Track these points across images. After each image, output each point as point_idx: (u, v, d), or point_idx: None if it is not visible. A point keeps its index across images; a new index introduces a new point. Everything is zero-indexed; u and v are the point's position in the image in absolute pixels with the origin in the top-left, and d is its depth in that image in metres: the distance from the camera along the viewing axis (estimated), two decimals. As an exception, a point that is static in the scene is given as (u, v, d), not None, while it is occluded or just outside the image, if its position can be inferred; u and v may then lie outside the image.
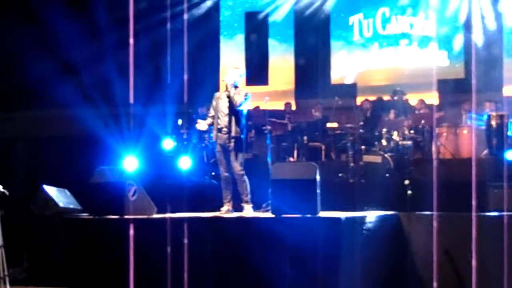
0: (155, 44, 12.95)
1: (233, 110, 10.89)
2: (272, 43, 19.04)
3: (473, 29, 16.80)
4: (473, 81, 12.01)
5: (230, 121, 10.89)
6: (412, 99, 16.06)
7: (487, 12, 16.85)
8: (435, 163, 12.47)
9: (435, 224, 10.26)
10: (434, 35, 17.31)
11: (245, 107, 11.02)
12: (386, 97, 16.32)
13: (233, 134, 10.86)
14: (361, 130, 14.72)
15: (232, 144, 10.88)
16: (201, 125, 11.12)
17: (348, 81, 18.27)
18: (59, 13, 15.74)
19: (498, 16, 16.79)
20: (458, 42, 17.21)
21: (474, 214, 9.86)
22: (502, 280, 9.86)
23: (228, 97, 10.90)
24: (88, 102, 15.76)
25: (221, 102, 11.00)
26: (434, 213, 10.57)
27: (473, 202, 9.59)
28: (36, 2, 16.35)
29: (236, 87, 10.99)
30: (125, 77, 11.48)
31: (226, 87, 10.95)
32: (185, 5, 13.69)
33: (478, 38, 16.71)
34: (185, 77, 11.06)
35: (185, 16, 13.28)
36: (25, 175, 17.53)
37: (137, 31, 15.40)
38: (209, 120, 11.13)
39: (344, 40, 18.52)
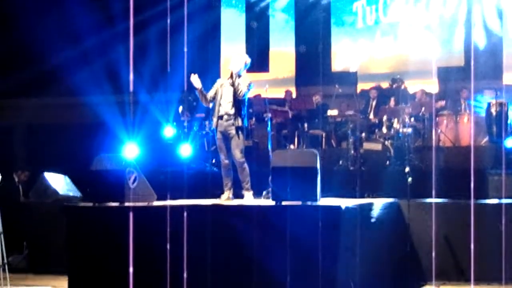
0: (164, 32, 13.00)
1: (236, 99, 10.88)
2: (273, 30, 19.03)
3: (473, 17, 16.80)
4: (472, 69, 12.00)
5: (232, 109, 10.88)
6: (412, 86, 16.07)
7: (487, 2, 16.84)
8: (435, 150, 12.50)
9: (434, 211, 10.27)
10: (435, 23, 17.27)
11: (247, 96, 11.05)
12: (384, 85, 16.33)
13: (235, 122, 10.85)
14: (371, 117, 14.82)
15: (233, 132, 10.88)
16: (196, 80, 10.92)
17: (352, 70, 18.26)
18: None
19: (498, 6, 16.79)
20: (458, 30, 17.18)
21: (472, 201, 9.88)
22: (501, 266, 9.89)
23: (232, 85, 10.88)
24: (93, 90, 15.77)
25: (224, 90, 10.97)
26: (434, 200, 10.59)
27: (472, 189, 9.61)
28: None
29: (239, 76, 10.98)
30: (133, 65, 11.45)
31: (231, 75, 10.91)
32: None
33: (478, 27, 16.71)
34: (185, 64, 11.00)
35: (186, 4, 13.25)
36: (26, 162, 17.55)
37: (147, 19, 15.43)
38: (208, 96, 11.06)
39: (347, 25, 18.49)
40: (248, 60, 11.21)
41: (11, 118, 18.67)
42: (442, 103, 15.22)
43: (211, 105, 11.23)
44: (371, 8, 18.16)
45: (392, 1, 17.84)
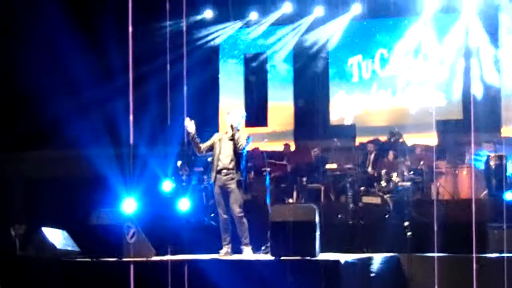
0: (163, 86, 13.12)
1: (235, 153, 10.88)
2: (271, 84, 19.09)
3: (471, 70, 16.87)
4: (472, 122, 12.03)
5: (231, 163, 10.87)
6: (411, 139, 16.07)
7: (485, 55, 16.91)
8: (434, 204, 12.44)
9: (435, 265, 10.21)
10: (433, 77, 17.33)
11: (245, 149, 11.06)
12: (383, 138, 16.32)
13: (234, 176, 10.84)
14: (369, 170, 14.80)
15: (231, 186, 10.85)
16: (191, 125, 10.92)
17: (347, 122, 18.28)
18: (71, 54, 15.81)
19: (496, 58, 16.87)
20: (456, 83, 17.22)
21: (474, 255, 9.84)
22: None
23: (232, 139, 10.89)
24: (91, 143, 15.75)
25: (223, 144, 10.99)
26: (434, 254, 10.53)
27: (474, 243, 9.59)
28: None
29: (238, 130, 11.00)
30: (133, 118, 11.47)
31: (231, 128, 10.92)
32: (185, 48, 13.78)
33: (476, 79, 16.78)
34: (185, 118, 11.04)
35: (185, 59, 13.35)
36: (24, 216, 17.47)
37: (147, 73, 15.49)
38: (202, 145, 11.05)
39: (343, 80, 18.56)
40: (244, 114, 11.32)
41: (9, 172, 18.62)
42: (443, 162, 15.16)
43: (209, 159, 11.25)
44: (367, 62, 18.25)
45: (390, 55, 17.91)
